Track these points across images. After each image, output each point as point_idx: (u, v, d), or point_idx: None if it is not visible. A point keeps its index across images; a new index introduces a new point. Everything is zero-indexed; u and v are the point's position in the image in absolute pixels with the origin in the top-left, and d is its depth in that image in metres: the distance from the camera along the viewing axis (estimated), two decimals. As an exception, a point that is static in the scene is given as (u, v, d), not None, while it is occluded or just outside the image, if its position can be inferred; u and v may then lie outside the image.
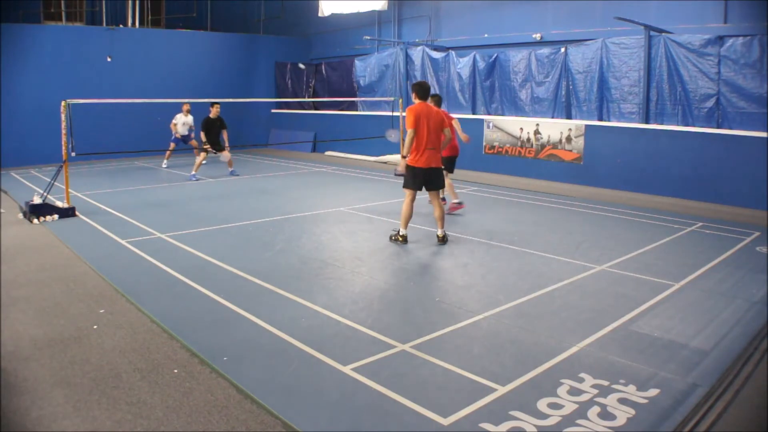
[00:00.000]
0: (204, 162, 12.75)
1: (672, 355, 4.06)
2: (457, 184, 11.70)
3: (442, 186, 7.06)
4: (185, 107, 13.99)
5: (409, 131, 6.67)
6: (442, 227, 7.05)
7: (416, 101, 6.89)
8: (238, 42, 19.19)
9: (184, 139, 14.12)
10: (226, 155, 12.62)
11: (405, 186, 6.94)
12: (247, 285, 5.53)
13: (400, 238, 7.00)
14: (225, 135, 12.59)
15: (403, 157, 6.87)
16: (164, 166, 14.58)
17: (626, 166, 11.19)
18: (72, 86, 14.64)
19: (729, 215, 8.89)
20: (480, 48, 14.46)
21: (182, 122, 13.97)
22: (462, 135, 8.85)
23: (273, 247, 6.90)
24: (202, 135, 12.34)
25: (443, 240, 7.03)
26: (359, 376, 3.70)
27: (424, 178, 6.83)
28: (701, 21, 10.92)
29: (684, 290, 5.44)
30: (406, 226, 6.99)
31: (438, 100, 8.26)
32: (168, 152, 14.59)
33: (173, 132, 14.06)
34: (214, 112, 12.32)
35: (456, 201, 8.77)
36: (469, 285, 5.60)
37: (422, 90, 6.91)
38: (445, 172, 8.48)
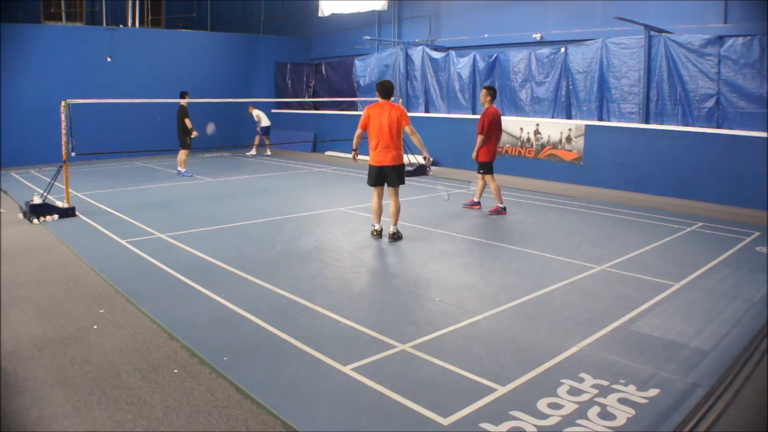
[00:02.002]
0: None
1: (672, 355, 4.06)
2: (457, 184, 11.71)
3: (402, 182, 7.10)
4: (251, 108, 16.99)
5: (357, 130, 7.05)
6: (395, 224, 7.15)
7: (379, 100, 6.99)
8: (238, 42, 19.18)
9: (264, 130, 17.07)
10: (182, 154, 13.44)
11: (367, 183, 7.26)
12: (247, 285, 5.53)
13: (374, 233, 7.27)
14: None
15: (353, 150, 7.30)
16: (255, 154, 17.28)
17: (626, 166, 11.19)
18: (72, 86, 14.65)
19: (729, 215, 8.89)
20: (480, 48, 14.46)
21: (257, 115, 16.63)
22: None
23: (273, 247, 6.90)
24: (188, 122, 12.75)
25: (393, 237, 7.12)
26: (359, 376, 3.71)
27: (378, 175, 7.03)
28: (701, 21, 10.92)
29: (684, 290, 5.44)
30: (378, 220, 7.28)
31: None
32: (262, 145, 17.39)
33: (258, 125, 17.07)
34: (185, 102, 12.69)
35: (501, 205, 8.86)
36: (469, 285, 5.60)
37: (383, 89, 6.98)
38: (487, 177, 8.82)
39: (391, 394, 3.47)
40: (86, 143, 10.91)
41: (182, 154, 13.01)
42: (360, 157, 7.40)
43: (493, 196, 8.95)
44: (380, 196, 7.20)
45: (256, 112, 16.95)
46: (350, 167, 14.65)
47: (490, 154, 8.78)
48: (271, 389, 3.55)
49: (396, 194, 7.12)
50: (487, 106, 8.77)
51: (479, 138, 8.67)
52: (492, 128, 8.64)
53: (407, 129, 6.96)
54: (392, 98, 7.07)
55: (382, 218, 7.34)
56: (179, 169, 13.04)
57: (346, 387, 3.59)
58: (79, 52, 15.71)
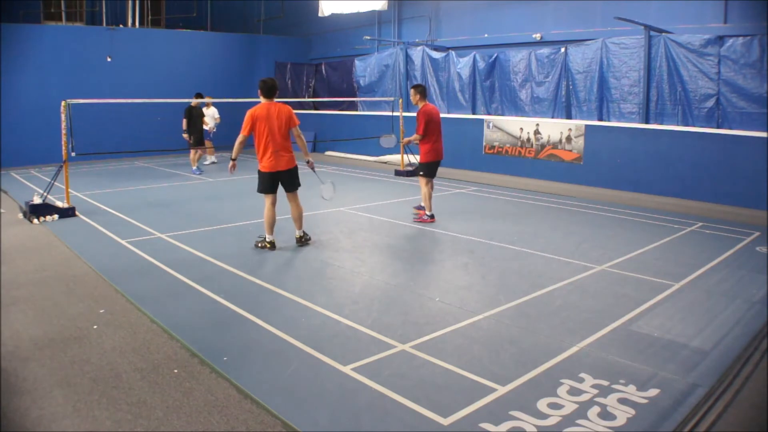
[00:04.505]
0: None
1: (672, 355, 4.06)
2: (457, 184, 11.71)
3: (299, 184, 6.75)
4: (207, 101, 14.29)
5: (240, 136, 6.49)
6: (300, 228, 6.89)
7: (262, 100, 6.53)
8: (238, 42, 19.18)
9: (204, 134, 14.67)
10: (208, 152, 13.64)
11: (258, 190, 6.72)
12: (247, 285, 5.53)
13: (267, 245, 6.74)
14: (204, 121, 13.64)
15: (232, 159, 6.69)
16: (207, 162, 15.01)
17: (626, 166, 11.18)
18: (72, 86, 14.65)
19: (729, 215, 8.89)
20: (480, 48, 14.47)
21: (209, 116, 14.69)
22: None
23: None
24: (184, 123, 13.04)
25: (301, 240, 6.89)
26: (359, 376, 3.71)
27: (272, 181, 6.60)
28: (701, 21, 10.92)
29: (684, 290, 5.44)
30: (271, 232, 6.73)
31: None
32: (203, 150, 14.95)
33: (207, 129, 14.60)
34: (195, 102, 12.92)
35: (428, 213, 8.25)
36: (469, 285, 5.60)
37: (266, 88, 6.49)
38: (423, 179, 8.09)
39: (391, 394, 3.47)
40: (86, 143, 10.90)
41: (191, 153, 13.38)
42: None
43: (423, 201, 8.29)
44: (274, 204, 6.68)
45: (209, 112, 14.71)
46: (350, 167, 14.65)
47: (432, 154, 8.08)
48: (271, 389, 3.55)
49: (295, 198, 6.79)
50: (420, 105, 8.06)
51: (415, 136, 8.04)
52: (432, 128, 7.98)
53: (295, 130, 6.58)
54: (275, 97, 6.60)
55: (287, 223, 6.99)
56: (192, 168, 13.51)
57: (346, 387, 3.59)
58: (79, 52, 15.70)
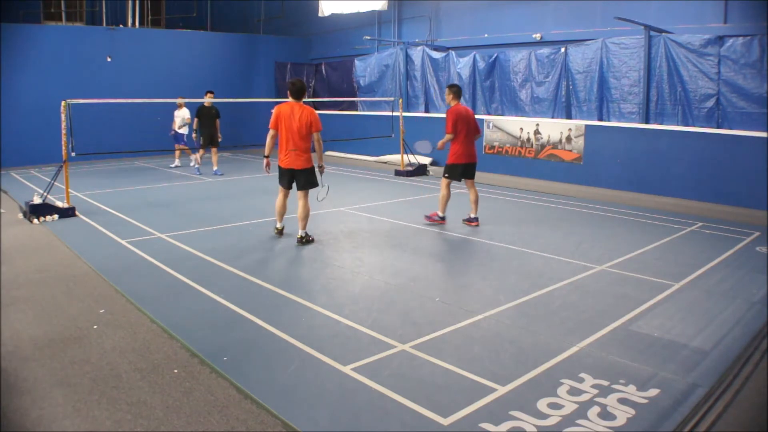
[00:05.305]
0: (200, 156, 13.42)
1: (672, 355, 4.06)
2: (457, 184, 11.68)
3: (314, 185, 6.98)
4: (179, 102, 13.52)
5: (270, 131, 6.85)
6: (303, 228, 7.03)
7: (290, 100, 6.85)
8: (238, 42, 19.18)
9: (177, 137, 14.05)
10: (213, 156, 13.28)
11: (279, 182, 7.13)
12: (247, 285, 5.53)
13: (276, 231, 7.34)
14: (217, 124, 12.96)
15: (265, 156, 7.00)
16: (174, 165, 14.68)
17: (626, 166, 11.19)
18: (72, 86, 14.64)
19: (729, 215, 8.89)
20: (480, 48, 14.46)
21: (180, 117, 13.91)
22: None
23: (273, 247, 6.90)
24: (195, 123, 12.90)
25: (302, 240, 7.01)
26: (359, 376, 3.71)
27: (288, 178, 6.94)
28: (701, 21, 10.91)
29: (684, 290, 5.44)
30: (280, 220, 7.34)
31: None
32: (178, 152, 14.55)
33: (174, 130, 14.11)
34: (208, 102, 12.69)
35: (440, 215, 8.16)
36: (469, 285, 5.60)
37: (294, 90, 6.83)
38: (445, 180, 7.99)
39: (391, 394, 3.47)
40: (86, 143, 10.87)
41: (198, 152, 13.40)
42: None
43: (439, 202, 8.14)
44: (286, 197, 7.18)
45: (180, 113, 13.90)
46: (350, 167, 14.65)
47: (458, 156, 7.89)
48: (271, 389, 3.55)
49: (304, 197, 6.95)
50: (452, 104, 7.95)
51: (446, 137, 7.90)
52: (460, 126, 7.81)
53: (314, 135, 6.80)
54: (304, 99, 6.91)
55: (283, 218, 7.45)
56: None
57: (346, 387, 3.59)
58: (79, 52, 15.70)
